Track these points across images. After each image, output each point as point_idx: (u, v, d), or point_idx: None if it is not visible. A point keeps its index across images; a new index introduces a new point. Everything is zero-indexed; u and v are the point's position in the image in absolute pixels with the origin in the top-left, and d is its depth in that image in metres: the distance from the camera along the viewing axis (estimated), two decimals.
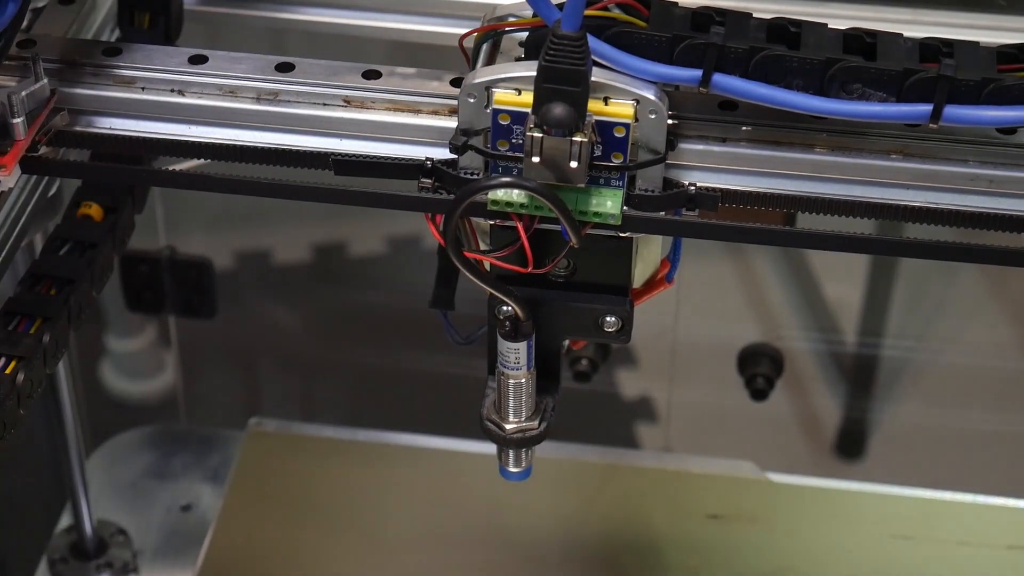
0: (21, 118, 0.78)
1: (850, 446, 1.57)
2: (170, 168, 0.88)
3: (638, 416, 1.57)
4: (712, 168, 0.78)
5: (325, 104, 0.80)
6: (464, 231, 0.81)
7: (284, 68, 0.81)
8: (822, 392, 1.56)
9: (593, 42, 0.73)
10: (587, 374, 1.37)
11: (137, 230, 1.00)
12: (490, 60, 0.79)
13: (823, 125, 0.77)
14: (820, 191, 0.78)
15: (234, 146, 0.80)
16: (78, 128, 0.81)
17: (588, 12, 0.73)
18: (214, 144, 0.81)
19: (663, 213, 0.77)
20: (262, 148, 0.80)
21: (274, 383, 1.62)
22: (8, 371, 0.82)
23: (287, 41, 1.36)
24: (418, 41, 0.97)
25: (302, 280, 1.65)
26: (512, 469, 0.86)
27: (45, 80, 0.79)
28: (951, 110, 0.73)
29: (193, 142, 0.81)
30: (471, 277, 0.79)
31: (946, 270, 1.56)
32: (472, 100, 0.75)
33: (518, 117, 0.74)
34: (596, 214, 0.76)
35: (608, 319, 0.82)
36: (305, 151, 0.80)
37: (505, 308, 0.80)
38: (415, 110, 0.79)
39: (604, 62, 0.74)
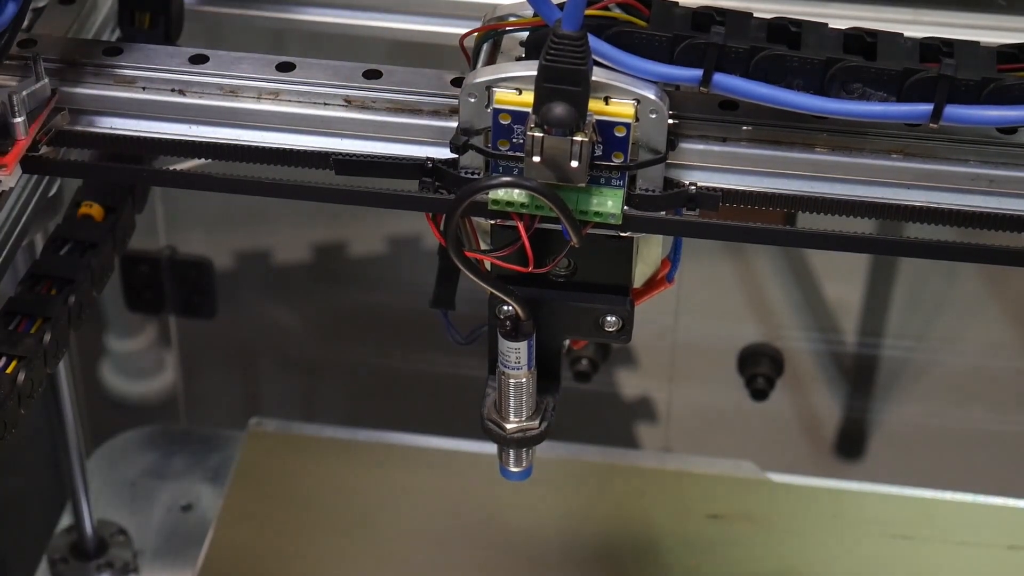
0: (22, 118, 0.78)
1: (850, 446, 1.57)
2: (170, 168, 0.88)
3: (638, 416, 1.57)
4: (713, 168, 0.78)
5: (326, 104, 0.80)
6: (465, 231, 0.81)
7: (285, 68, 0.81)
8: (822, 392, 1.56)
9: (594, 42, 0.73)
10: (587, 374, 1.37)
11: (137, 230, 1.00)
12: (491, 60, 0.79)
13: (824, 125, 0.77)
14: (820, 191, 0.78)
15: (235, 146, 0.80)
16: (79, 128, 0.81)
17: (589, 12, 0.73)
18: (215, 144, 0.81)
19: (664, 213, 0.77)
20: (263, 148, 0.80)
21: (274, 383, 1.62)
22: (9, 371, 0.82)
23: (287, 41, 1.36)
24: (418, 41, 0.97)
25: (302, 280, 1.66)
26: (512, 469, 0.86)
27: (46, 80, 0.80)
28: (951, 110, 0.73)
29: (194, 142, 0.81)
30: (472, 277, 0.79)
31: (946, 270, 1.56)
32: (473, 100, 0.75)
33: (519, 117, 0.74)
34: (597, 214, 0.76)
35: (608, 319, 0.82)
36: (306, 151, 0.80)
37: (506, 308, 0.80)
38: (416, 110, 0.79)
39: (605, 62, 0.74)
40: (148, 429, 1.35)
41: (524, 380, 0.82)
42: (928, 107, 0.73)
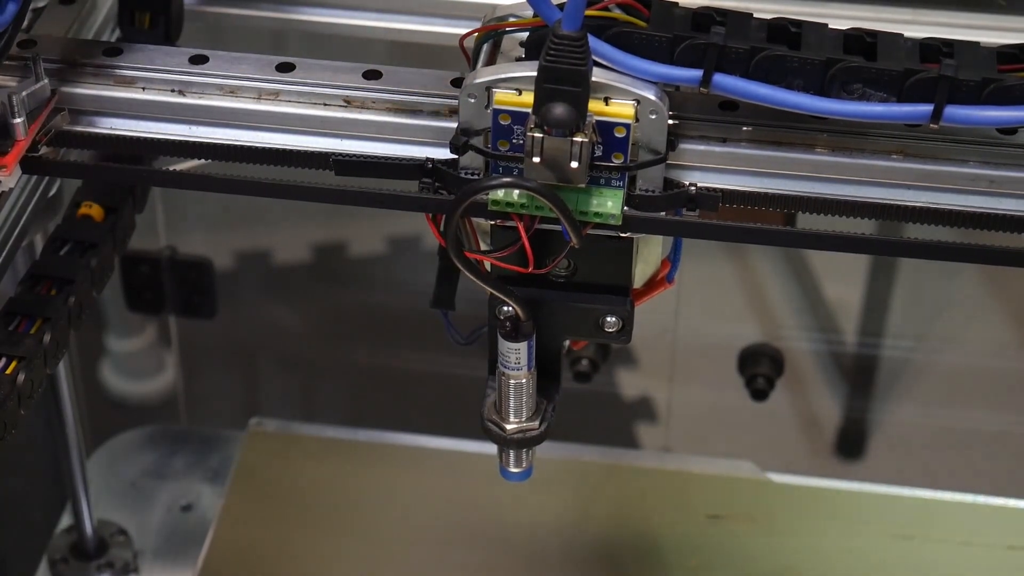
0: (21, 118, 0.78)
1: (850, 446, 1.57)
2: (170, 168, 0.88)
3: (638, 416, 1.57)
4: (713, 168, 0.78)
5: (326, 104, 0.80)
6: (464, 231, 0.81)
7: (285, 68, 0.81)
8: (822, 392, 1.56)
9: (594, 42, 0.73)
10: (587, 374, 1.37)
11: (137, 230, 1.00)
12: (490, 60, 0.79)
13: (824, 125, 0.77)
14: (820, 191, 0.78)
15: (235, 146, 0.80)
16: (79, 128, 0.81)
17: (589, 12, 0.73)
18: (215, 144, 0.81)
19: (664, 213, 0.77)
20: (263, 148, 0.80)
21: (274, 383, 1.62)
22: (8, 371, 0.82)
23: (287, 41, 1.36)
24: (418, 41, 0.97)
25: (302, 280, 1.66)
26: (512, 469, 0.86)
27: (46, 80, 0.79)
28: (952, 110, 0.73)
29: (194, 142, 0.81)
30: (472, 277, 0.79)
31: (946, 270, 1.56)
32: (472, 100, 0.75)
33: (519, 117, 0.74)
34: (597, 214, 0.76)
35: (609, 319, 0.82)
36: (306, 151, 0.80)
37: (506, 308, 0.80)
38: (415, 110, 0.79)
39: (605, 62, 0.74)
40: (148, 429, 1.35)
41: (524, 381, 0.82)
42: (928, 107, 0.73)
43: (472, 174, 0.77)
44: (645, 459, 1.33)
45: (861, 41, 0.76)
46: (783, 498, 1.23)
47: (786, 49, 0.75)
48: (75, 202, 0.95)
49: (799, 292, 1.62)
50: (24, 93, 0.78)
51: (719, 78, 0.74)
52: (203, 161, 0.83)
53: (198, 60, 0.82)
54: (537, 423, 0.84)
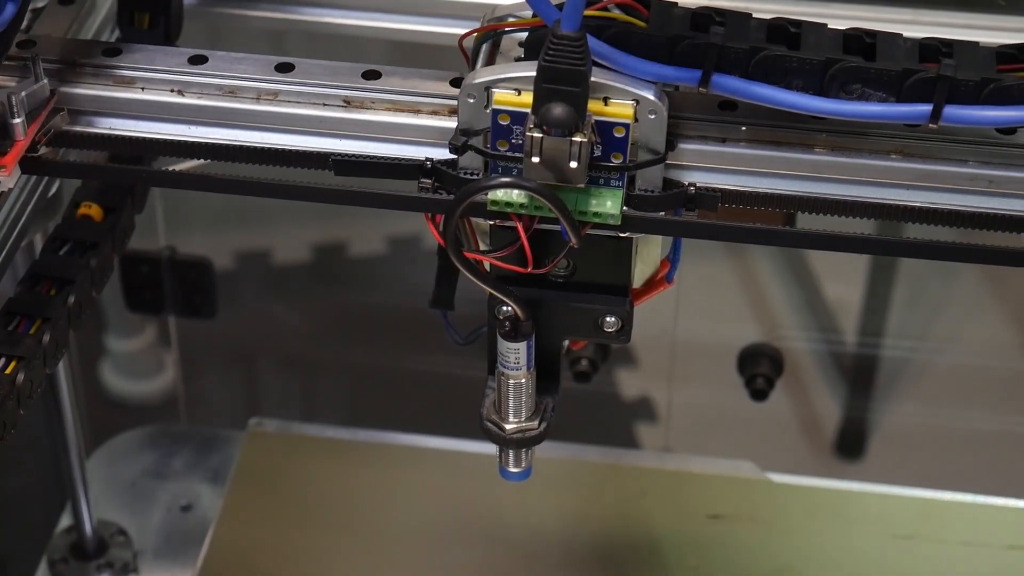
0: (21, 118, 0.78)
1: (850, 446, 1.57)
2: (170, 168, 0.88)
3: (638, 416, 1.57)
4: (712, 168, 0.78)
5: (325, 104, 0.80)
6: (464, 231, 0.81)
7: (284, 68, 0.81)
8: (822, 392, 1.56)
9: (593, 42, 0.73)
10: (587, 374, 1.37)
11: (137, 230, 1.00)
12: (490, 60, 0.79)
13: (823, 125, 0.77)
14: (820, 191, 0.78)
15: (234, 146, 0.80)
16: (78, 128, 0.81)
17: (588, 12, 0.73)
18: (214, 144, 0.81)
19: (663, 213, 0.77)
20: (262, 148, 0.80)
21: (274, 383, 1.62)
22: (8, 371, 0.82)
23: (287, 41, 1.36)
24: (418, 41, 0.97)
25: (302, 280, 1.66)
26: (512, 469, 0.86)
27: (45, 80, 0.79)
28: (951, 110, 0.73)
29: (193, 142, 0.81)
30: (471, 277, 0.79)
31: (946, 270, 1.56)
32: (472, 100, 0.75)
33: (518, 117, 0.74)
34: (596, 214, 0.76)
35: (608, 319, 0.82)
36: (305, 151, 0.80)
37: (505, 308, 0.80)
38: (415, 110, 0.79)
39: (604, 62, 0.74)
40: (148, 429, 1.35)
41: (523, 380, 0.82)
42: (927, 107, 0.73)
43: (471, 174, 0.77)
44: (645, 459, 1.33)
45: (860, 41, 0.76)
46: (783, 498, 1.23)
47: (785, 49, 0.75)
48: (75, 202, 0.95)
49: (799, 292, 1.62)
50: (23, 93, 0.78)
51: (718, 78, 0.74)
52: (203, 161, 0.83)
53: (198, 60, 0.82)
54: (537, 423, 0.84)
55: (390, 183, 0.79)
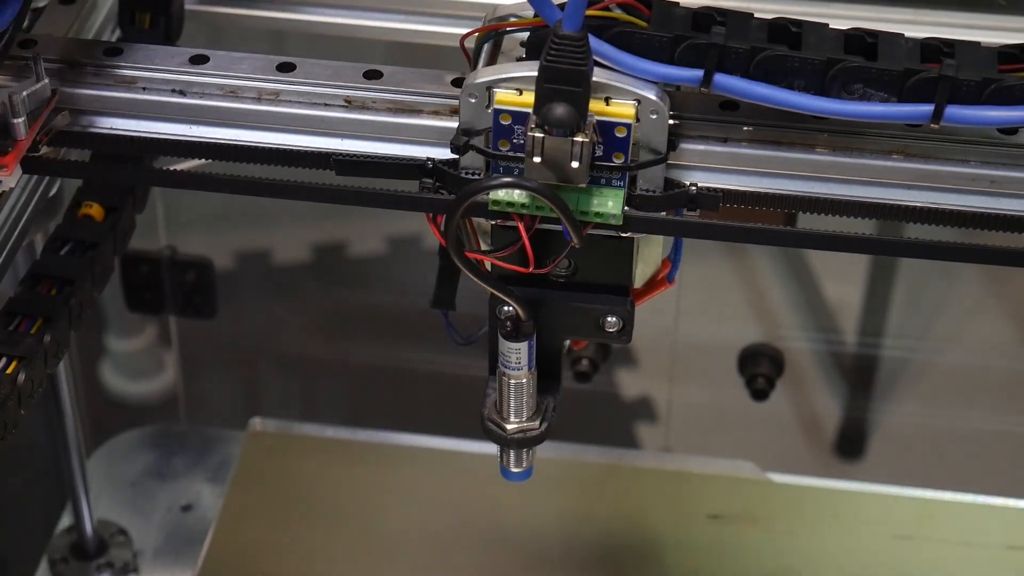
0: (22, 118, 0.78)
1: (850, 446, 1.57)
2: (170, 168, 0.88)
3: (638, 416, 1.57)
4: (713, 168, 0.78)
5: (326, 104, 0.80)
6: (465, 231, 0.81)
7: (285, 68, 0.81)
8: (822, 392, 1.56)
9: (594, 42, 0.73)
10: (587, 374, 1.37)
11: (137, 230, 1.00)
12: (491, 60, 0.79)
13: (824, 125, 0.77)
14: (821, 191, 0.78)
15: (235, 146, 0.80)
16: (79, 128, 0.81)
17: (589, 12, 0.73)
18: (215, 144, 0.81)
19: (664, 213, 0.77)
20: (263, 148, 0.80)
21: (274, 383, 1.62)
22: (9, 371, 0.82)
23: (288, 41, 1.36)
24: (419, 41, 0.97)
25: (302, 280, 1.66)
26: (513, 469, 0.86)
27: (46, 80, 0.79)
28: (952, 110, 0.73)
29: (194, 142, 0.81)
30: (472, 277, 0.79)
31: (946, 270, 1.56)
32: (473, 100, 0.75)
33: (519, 117, 0.74)
34: (597, 214, 0.76)
35: (609, 319, 0.82)
36: (306, 151, 0.80)
37: (506, 308, 0.80)
38: (416, 110, 0.79)
39: (605, 62, 0.74)
40: (148, 429, 1.35)
41: (524, 380, 0.82)
42: (929, 107, 0.73)
43: (473, 174, 0.77)
44: (645, 459, 1.33)
45: (862, 41, 0.76)
46: (783, 498, 1.24)
47: (787, 49, 0.75)
48: (75, 202, 0.95)
49: (799, 292, 1.62)
50: (24, 93, 0.78)
51: (720, 78, 0.74)
52: (203, 161, 0.83)
53: (198, 60, 0.82)
54: (537, 423, 0.84)
55: (391, 183, 0.79)
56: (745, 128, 0.78)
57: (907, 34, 0.76)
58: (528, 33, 0.78)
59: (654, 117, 0.75)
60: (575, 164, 0.73)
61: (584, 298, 0.81)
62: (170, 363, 1.54)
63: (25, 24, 0.83)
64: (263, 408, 1.59)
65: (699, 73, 0.74)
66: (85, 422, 1.23)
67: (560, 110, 0.72)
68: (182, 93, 0.81)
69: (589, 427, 1.43)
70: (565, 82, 0.71)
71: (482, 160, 0.77)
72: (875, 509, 1.23)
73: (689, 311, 1.46)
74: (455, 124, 0.77)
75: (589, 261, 0.80)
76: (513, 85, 0.75)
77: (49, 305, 0.87)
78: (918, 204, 0.77)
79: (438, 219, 0.79)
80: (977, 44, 0.76)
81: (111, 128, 0.81)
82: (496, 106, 0.75)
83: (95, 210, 0.95)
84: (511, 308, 0.80)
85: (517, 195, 0.75)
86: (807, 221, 0.80)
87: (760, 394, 1.39)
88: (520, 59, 0.78)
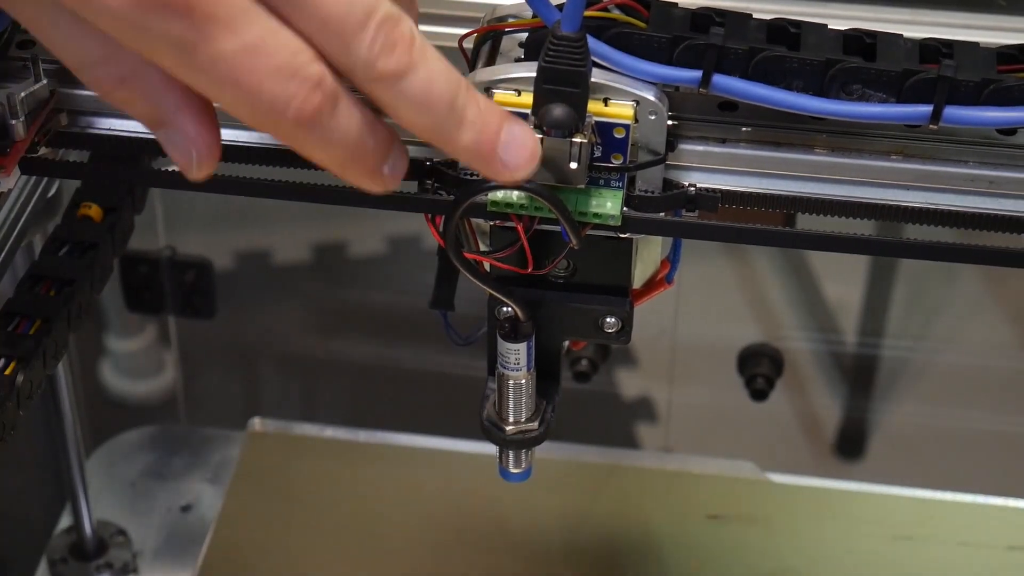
0: (20, 119, 0.78)
1: (850, 446, 1.57)
2: (169, 168, 0.87)
3: (638, 416, 1.57)
4: (712, 169, 0.78)
5: None
6: (464, 232, 0.81)
7: None
8: (822, 392, 1.56)
9: (593, 43, 0.73)
10: (587, 374, 1.37)
11: (137, 230, 1.00)
12: (490, 61, 0.79)
13: (823, 126, 0.77)
14: (820, 192, 0.78)
15: (234, 146, 0.80)
16: (78, 129, 0.81)
17: (588, 13, 0.73)
18: None
19: (663, 214, 0.77)
20: (263, 148, 0.80)
21: (274, 383, 1.62)
22: (8, 372, 0.82)
23: None
24: None
25: (302, 280, 1.65)
26: (512, 470, 0.86)
27: (45, 81, 0.79)
28: (951, 111, 0.73)
29: None
30: (471, 278, 0.79)
31: (946, 270, 1.56)
32: None
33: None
34: (596, 215, 0.75)
35: (608, 320, 0.82)
36: None
37: (505, 309, 0.80)
38: None
39: (604, 63, 0.74)
40: (148, 429, 1.35)
41: (523, 381, 0.82)
42: (928, 108, 0.73)
43: (472, 175, 0.77)
44: (645, 459, 1.33)
45: (860, 42, 0.76)
46: (783, 498, 1.23)
47: (785, 50, 0.75)
48: (74, 202, 0.95)
49: (799, 292, 1.62)
50: (23, 94, 0.78)
51: (718, 79, 0.74)
52: None
53: None
54: (536, 424, 0.84)
55: None
56: (744, 129, 0.77)
57: (906, 34, 0.76)
58: (527, 34, 0.78)
59: (653, 118, 0.75)
60: (574, 165, 0.73)
61: (583, 299, 0.81)
62: (170, 363, 1.54)
63: None
64: (263, 408, 1.59)
65: (697, 74, 0.74)
66: (84, 422, 1.23)
67: (558, 111, 0.72)
68: None
69: (589, 427, 1.42)
70: (563, 83, 0.71)
71: None
72: (875, 509, 1.23)
73: (689, 311, 1.46)
74: None
75: (588, 262, 0.80)
76: (511, 86, 0.75)
77: (48, 306, 0.87)
78: (917, 205, 0.77)
79: (437, 220, 0.79)
80: (976, 44, 0.76)
81: (110, 129, 0.81)
82: None
83: (94, 211, 0.95)
84: (510, 309, 0.80)
85: (516, 196, 0.75)
86: (806, 221, 0.80)
87: (760, 394, 1.39)
88: (519, 60, 0.78)
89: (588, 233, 0.77)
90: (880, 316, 1.55)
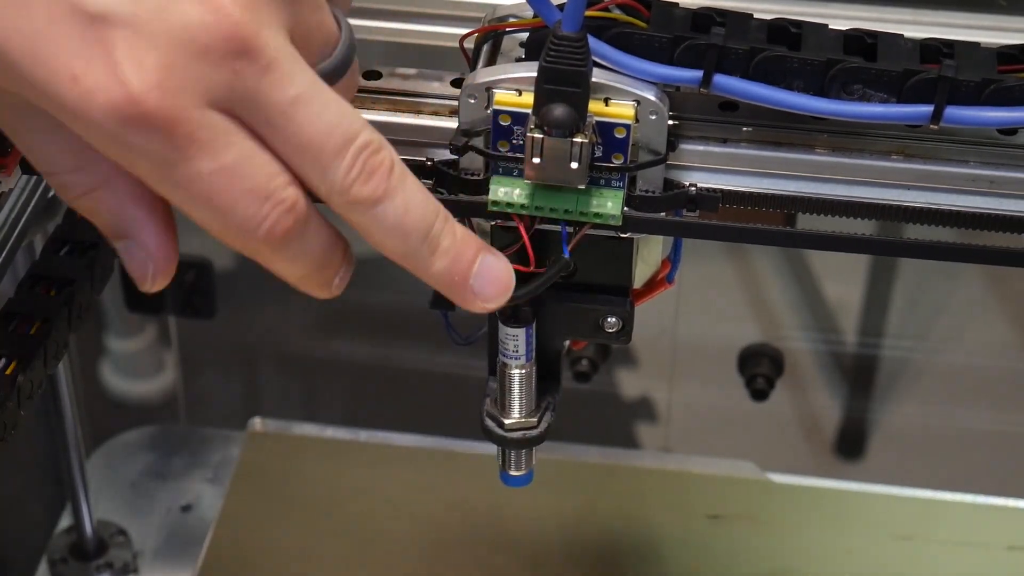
0: None
1: (850, 446, 1.57)
2: None
3: (638, 416, 1.57)
4: (713, 169, 0.78)
5: None
6: None
7: None
8: (822, 392, 1.56)
9: (594, 43, 0.73)
10: (587, 374, 1.37)
11: None
12: (491, 61, 0.79)
13: (823, 126, 0.77)
14: (820, 192, 0.78)
15: None
16: None
17: (588, 13, 0.73)
18: None
19: (664, 214, 0.77)
20: None
21: (274, 383, 1.62)
22: (8, 372, 0.82)
23: None
24: (418, 42, 0.97)
25: None
26: (513, 472, 0.85)
27: None
28: (952, 111, 0.73)
29: None
30: None
31: (946, 270, 1.56)
32: (473, 101, 0.75)
33: (519, 118, 0.74)
34: (597, 215, 0.76)
35: (609, 320, 0.82)
36: None
37: None
38: (415, 110, 0.79)
39: (605, 63, 0.74)
40: (148, 429, 1.35)
41: (523, 371, 0.82)
42: (928, 108, 0.73)
43: (472, 175, 0.77)
44: (645, 459, 1.33)
45: (861, 42, 0.76)
46: (783, 498, 1.24)
47: (786, 50, 0.75)
48: None
49: (799, 292, 1.62)
50: None
51: (719, 79, 0.74)
52: None
53: None
54: (536, 420, 0.84)
55: None
56: (744, 129, 0.77)
57: (907, 34, 0.76)
58: (527, 34, 0.78)
59: (653, 118, 0.75)
60: (574, 165, 0.73)
61: (584, 298, 0.81)
62: (170, 363, 1.54)
63: None
64: (263, 408, 1.58)
65: (698, 74, 0.74)
66: (84, 422, 1.23)
67: (559, 111, 0.72)
68: None
69: (589, 427, 1.42)
70: (564, 83, 0.71)
71: (481, 161, 0.77)
72: (875, 509, 1.23)
73: (689, 311, 1.46)
74: (454, 125, 0.77)
75: (589, 262, 0.80)
76: (512, 86, 0.75)
77: (48, 306, 0.87)
78: (918, 204, 0.77)
79: None
80: (977, 45, 0.76)
81: None
82: (495, 107, 0.75)
83: None
84: None
85: (516, 196, 0.75)
86: (807, 221, 0.80)
87: (760, 394, 1.39)
88: (519, 60, 0.78)
89: (589, 233, 0.77)
90: (880, 316, 1.55)
